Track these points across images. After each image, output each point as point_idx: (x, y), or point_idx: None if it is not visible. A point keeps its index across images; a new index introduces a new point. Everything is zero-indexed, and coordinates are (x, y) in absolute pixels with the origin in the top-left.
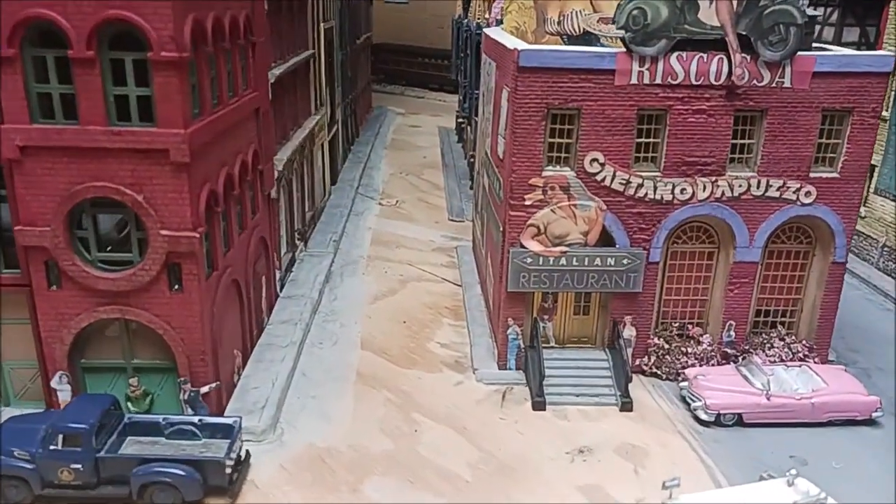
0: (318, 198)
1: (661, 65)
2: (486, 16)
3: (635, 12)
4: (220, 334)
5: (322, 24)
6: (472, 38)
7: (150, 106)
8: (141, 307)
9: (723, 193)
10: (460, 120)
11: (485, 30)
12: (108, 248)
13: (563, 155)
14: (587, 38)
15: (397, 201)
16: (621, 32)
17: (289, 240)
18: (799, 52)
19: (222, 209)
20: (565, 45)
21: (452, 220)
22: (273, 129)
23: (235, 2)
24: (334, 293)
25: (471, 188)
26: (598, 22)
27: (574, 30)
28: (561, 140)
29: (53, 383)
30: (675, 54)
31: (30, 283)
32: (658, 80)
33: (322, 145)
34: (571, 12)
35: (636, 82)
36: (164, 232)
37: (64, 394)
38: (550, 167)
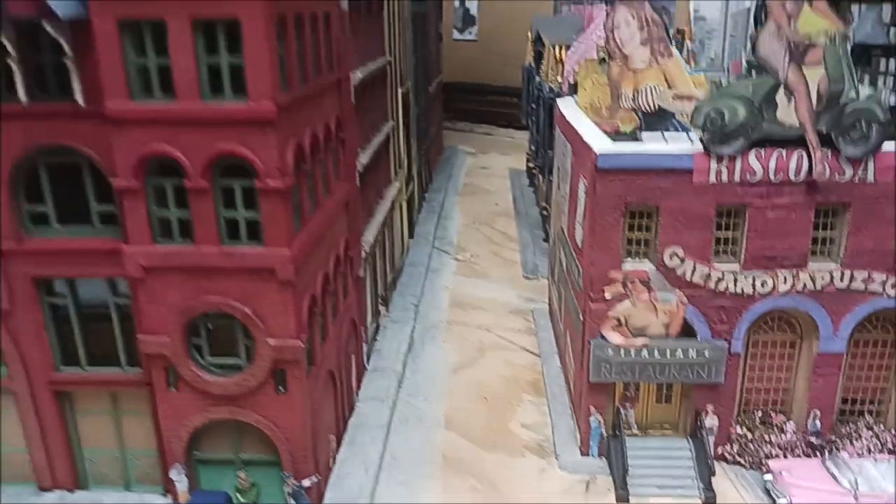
0: (398, 257)
1: (739, 163)
2: (559, 78)
3: (713, 114)
4: (319, 426)
5: (399, 90)
6: (544, 101)
7: (257, 226)
8: (248, 408)
9: (804, 286)
10: (531, 165)
11: (558, 101)
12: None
13: (641, 249)
14: (662, 114)
15: (472, 255)
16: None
17: (373, 309)
18: (883, 148)
19: (321, 310)
20: (640, 120)
21: (527, 278)
22: (360, 216)
23: (329, 109)
24: (417, 364)
25: (544, 240)
26: (673, 99)
27: (649, 106)
28: (640, 234)
29: (172, 475)
30: (754, 151)
31: (151, 383)
32: (736, 178)
33: (401, 205)
34: (646, 88)
35: (714, 181)
36: (270, 341)
37: (181, 485)
38: (629, 259)
